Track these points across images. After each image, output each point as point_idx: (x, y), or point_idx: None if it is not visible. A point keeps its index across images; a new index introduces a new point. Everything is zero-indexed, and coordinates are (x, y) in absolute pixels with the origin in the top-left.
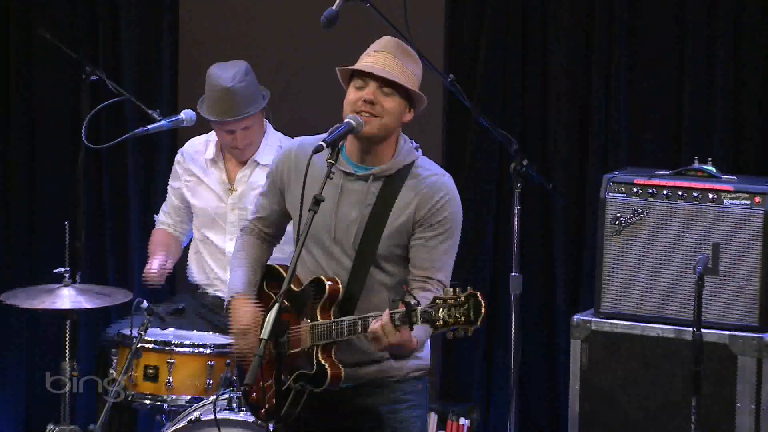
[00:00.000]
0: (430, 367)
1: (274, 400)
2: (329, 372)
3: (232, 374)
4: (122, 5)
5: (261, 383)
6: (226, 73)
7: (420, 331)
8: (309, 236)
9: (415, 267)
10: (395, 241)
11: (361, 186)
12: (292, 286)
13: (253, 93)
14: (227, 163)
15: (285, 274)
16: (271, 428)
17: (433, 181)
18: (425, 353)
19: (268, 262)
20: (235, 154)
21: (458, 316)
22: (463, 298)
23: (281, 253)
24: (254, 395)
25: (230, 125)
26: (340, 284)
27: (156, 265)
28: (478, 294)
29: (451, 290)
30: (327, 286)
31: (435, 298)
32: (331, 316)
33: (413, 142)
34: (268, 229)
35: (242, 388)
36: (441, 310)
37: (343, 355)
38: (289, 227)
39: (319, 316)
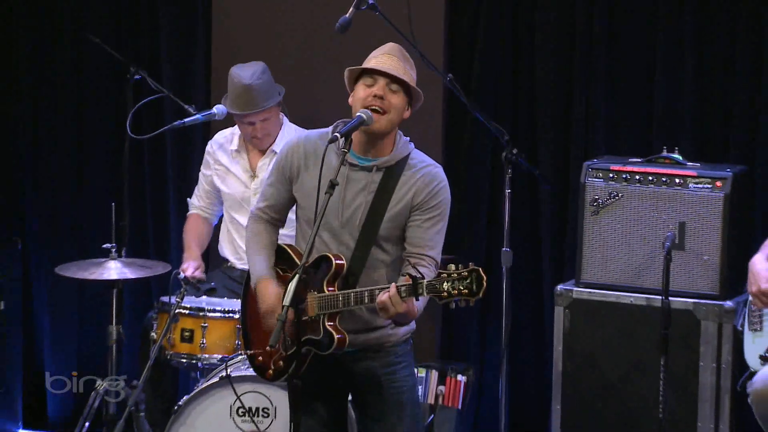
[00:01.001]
0: (414, 329)
1: (280, 362)
2: (335, 337)
3: None
4: (162, 14)
5: (267, 347)
6: (246, 72)
7: (420, 302)
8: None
9: (411, 245)
10: (394, 223)
11: (364, 176)
12: (299, 261)
13: (269, 89)
14: (249, 154)
15: (291, 253)
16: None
17: (428, 171)
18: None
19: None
20: (255, 143)
21: (461, 288)
22: (465, 273)
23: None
24: (260, 359)
25: (250, 117)
26: (345, 261)
27: (191, 270)
28: (480, 269)
29: (453, 266)
30: (334, 263)
31: (440, 273)
32: (335, 289)
33: (406, 137)
34: (276, 214)
35: (262, 348)
36: (445, 282)
37: (345, 324)
38: (291, 214)
39: (325, 289)
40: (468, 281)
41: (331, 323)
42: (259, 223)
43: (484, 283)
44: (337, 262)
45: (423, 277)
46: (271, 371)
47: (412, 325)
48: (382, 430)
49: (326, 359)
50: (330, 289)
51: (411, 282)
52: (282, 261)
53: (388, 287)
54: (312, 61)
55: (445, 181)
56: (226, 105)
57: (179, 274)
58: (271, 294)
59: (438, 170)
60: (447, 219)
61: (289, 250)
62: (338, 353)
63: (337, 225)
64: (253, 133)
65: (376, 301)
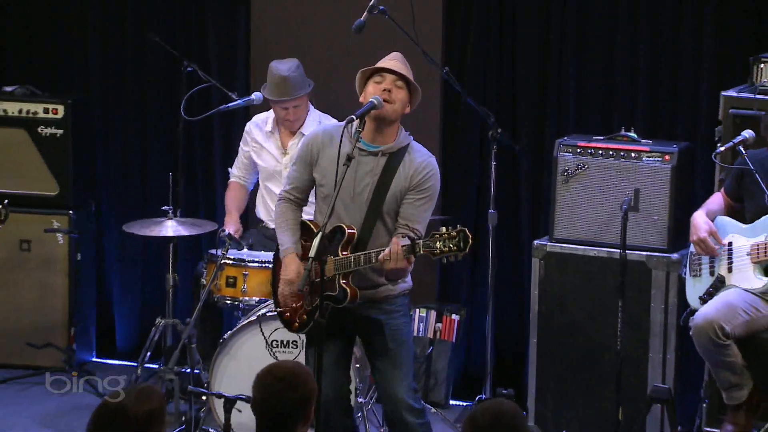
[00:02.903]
0: (411, 286)
1: (304, 316)
2: (349, 293)
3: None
4: (210, 18)
5: (294, 305)
6: (283, 66)
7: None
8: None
9: (403, 218)
10: (394, 200)
11: (371, 160)
12: (315, 230)
13: (302, 81)
14: (281, 134)
15: (312, 227)
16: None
17: (423, 160)
18: (409, 278)
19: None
20: (287, 125)
21: (451, 246)
22: (454, 233)
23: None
24: (287, 314)
25: (285, 103)
26: (356, 230)
27: (232, 229)
28: (466, 229)
29: (444, 227)
30: (347, 231)
31: (433, 234)
32: (348, 253)
33: (407, 131)
34: (300, 194)
35: (278, 309)
36: (438, 242)
37: (356, 282)
38: (311, 197)
39: (340, 253)
40: (456, 240)
41: (345, 281)
42: (286, 203)
43: (470, 241)
44: (349, 231)
45: (420, 238)
46: (296, 324)
47: (409, 283)
48: (386, 363)
49: (339, 310)
50: (344, 253)
51: (410, 242)
52: (305, 234)
53: (391, 247)
54: (333, 56)
55: (437, 169)
56: (265, 92)
57: (224, 231)
58: (294, 268)
59: (432, 160)
60: (435, 200)
61: (310, 224)
62: (351, 306)
63: (349, 200)
64: (285, 116)
65: (384, 253)
